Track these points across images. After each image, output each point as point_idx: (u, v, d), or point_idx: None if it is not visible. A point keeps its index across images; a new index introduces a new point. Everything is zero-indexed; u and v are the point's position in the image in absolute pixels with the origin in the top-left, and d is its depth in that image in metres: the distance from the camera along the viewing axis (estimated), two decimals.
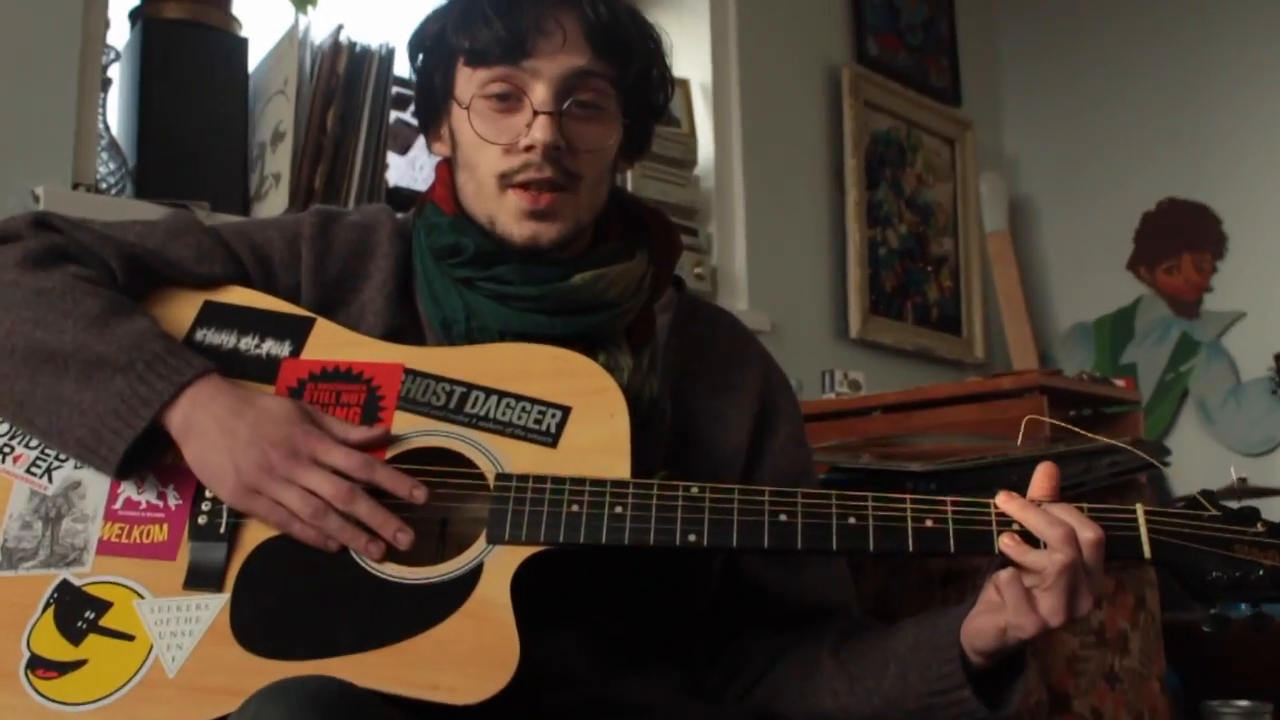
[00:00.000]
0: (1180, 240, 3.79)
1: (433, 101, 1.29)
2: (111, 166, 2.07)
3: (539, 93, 1.19)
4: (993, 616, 1.09)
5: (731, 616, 1.30)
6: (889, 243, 3.50)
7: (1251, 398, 3.60)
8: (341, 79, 2.22)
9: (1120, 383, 2.86)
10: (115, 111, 2.14)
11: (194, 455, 1.10)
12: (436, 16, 1.27)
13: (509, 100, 1.20)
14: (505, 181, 1.21)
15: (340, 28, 2.24)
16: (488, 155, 1.21)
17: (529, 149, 1.19)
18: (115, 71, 2.14)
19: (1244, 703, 2.42)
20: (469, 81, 1.22)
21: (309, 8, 2.25)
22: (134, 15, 2.16)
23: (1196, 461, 3.56)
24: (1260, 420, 3.58)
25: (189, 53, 2.13)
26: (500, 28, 1.18)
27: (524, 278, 1.22)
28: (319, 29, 2.25)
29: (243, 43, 2.21)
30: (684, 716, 1.25)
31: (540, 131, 1.18)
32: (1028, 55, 4.14)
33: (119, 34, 2.16)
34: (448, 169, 1.30)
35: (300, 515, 1.08)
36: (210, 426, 1.09)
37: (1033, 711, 1.73)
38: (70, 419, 1.10)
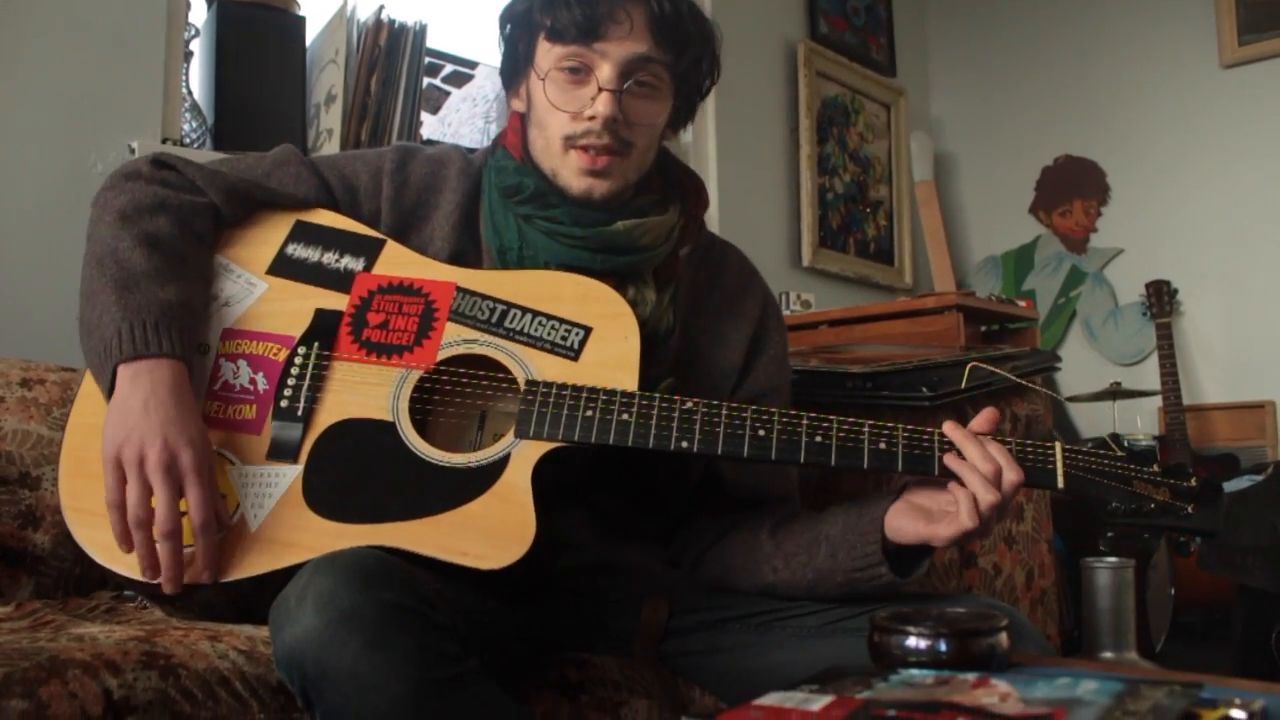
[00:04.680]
0: (1072, 190, 3.77)
1: (515, 66, 1.24)
2: (193, 124, 2.04)
3: (605, 72, 1.15)
4: (916, 525, 1.07)
5: (691, 500, 1.28)
6: (835, 189, 3.47)
7: (1126, 318, 3.62)
8: (383, 50, 2.18)
9: (1022, 304, 2.86)
10: (196, 78, 2.10)
11: (111, 409, 1.04)
12: None
13: (579, 74, 1.16)
14: (569, 143, 1.17)
15: (382, 7, 2.21)
16: (557, 119, 1.17)
17: (592, 119, 1.16)
18: (196, 45, 2.10)
19: (1113, 559, 2.46)
20: (547, 55, 1.18)
21: None
22: None
23: (1082, 368, 3.60)
24: (1133, 336, 3.60)
25: (256, 29, 2.10)
26: (579, 13, 1.14)
27: (574, 220, 1.19)
28: (364, 8, 2.22)
29: (301, 21, 2.18)
30: (663, 578, 1.27)
31: (603, 106, 1.15)
32: (951, 36, 4.08)
33: (198, 14, 2.13)
34: (520, 120, 1.25)
35: (130, 511, 1.00)
36: (131, 397, 1.03)
37: (945, 567, 1.74)
38: (86, 336, 1.09)
